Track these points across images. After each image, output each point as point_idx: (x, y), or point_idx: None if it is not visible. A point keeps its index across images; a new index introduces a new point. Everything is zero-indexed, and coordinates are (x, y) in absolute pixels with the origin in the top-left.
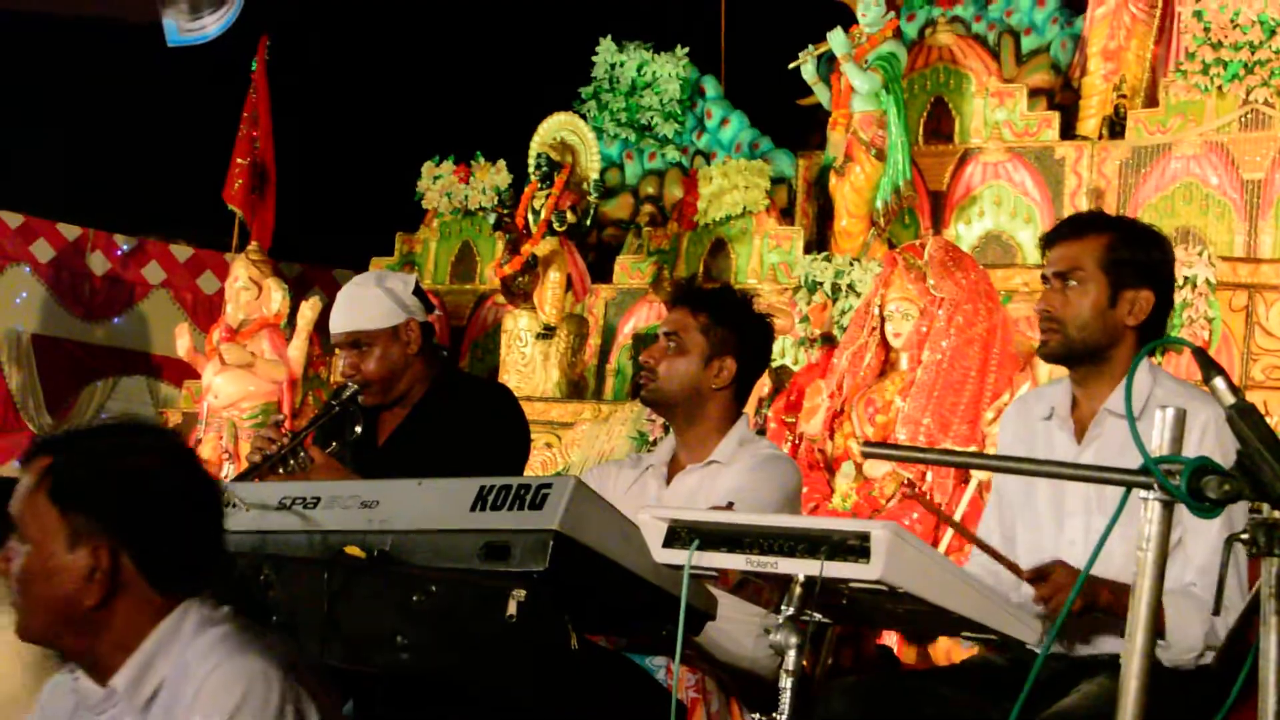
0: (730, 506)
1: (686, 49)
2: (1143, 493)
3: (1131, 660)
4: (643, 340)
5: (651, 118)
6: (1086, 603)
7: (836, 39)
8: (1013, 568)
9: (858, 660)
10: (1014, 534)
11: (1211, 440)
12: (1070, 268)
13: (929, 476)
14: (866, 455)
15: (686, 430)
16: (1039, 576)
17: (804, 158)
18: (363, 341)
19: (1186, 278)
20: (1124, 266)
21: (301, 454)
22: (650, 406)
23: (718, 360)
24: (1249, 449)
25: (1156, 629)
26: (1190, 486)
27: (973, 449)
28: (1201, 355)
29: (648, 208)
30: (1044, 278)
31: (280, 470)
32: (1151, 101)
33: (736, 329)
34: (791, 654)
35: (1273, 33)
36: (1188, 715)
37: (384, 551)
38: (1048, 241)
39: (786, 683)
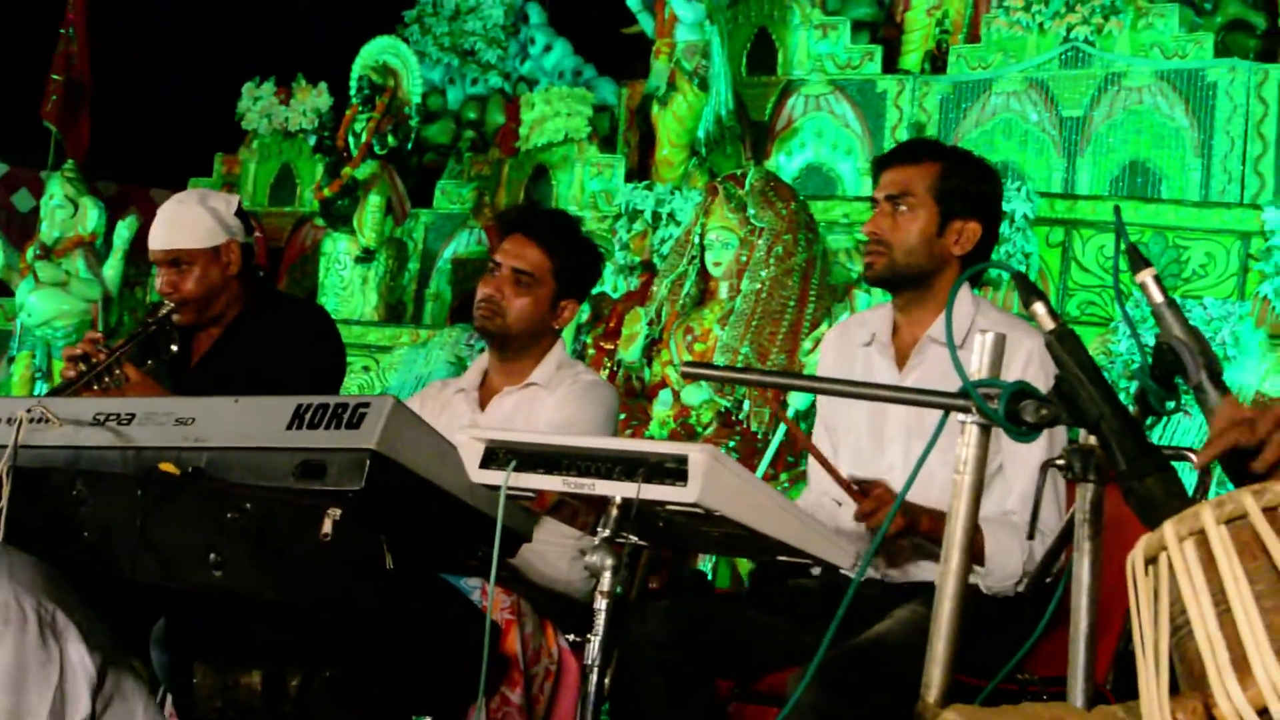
0: None
1: None
2: (961, 416)
3: (946, 583)
4: (465, 266)
5: (474, 43)
6: (907, 523)
7: None
8: (841, 480)
9: (672, 584)
10: (837, 461)
11: (1035, 369)
12: (901, 192)
13: (746, 405)
14: (686, 376)
15: (509, 357)
16: (862, 490)
17: (627, 86)
18: (182, 260)
19: (1005, 213)
20: (955, 196)
21: (117, 371)
22: (483, 336)
23: (564, 303)
24: (1067, 374)
25: (975, 556)
26: (1007, 410)
27: (793, 374)
28: (1021, 280)
29: (469, 133)
30: (873, 200)
31: (95, 387)
32: (973, 37)
33: (583, 273)
34: (607, 576)
35: None
36: (1003, 640)
37: (198, 468)
38: (881, 164)
39: (601, 605)
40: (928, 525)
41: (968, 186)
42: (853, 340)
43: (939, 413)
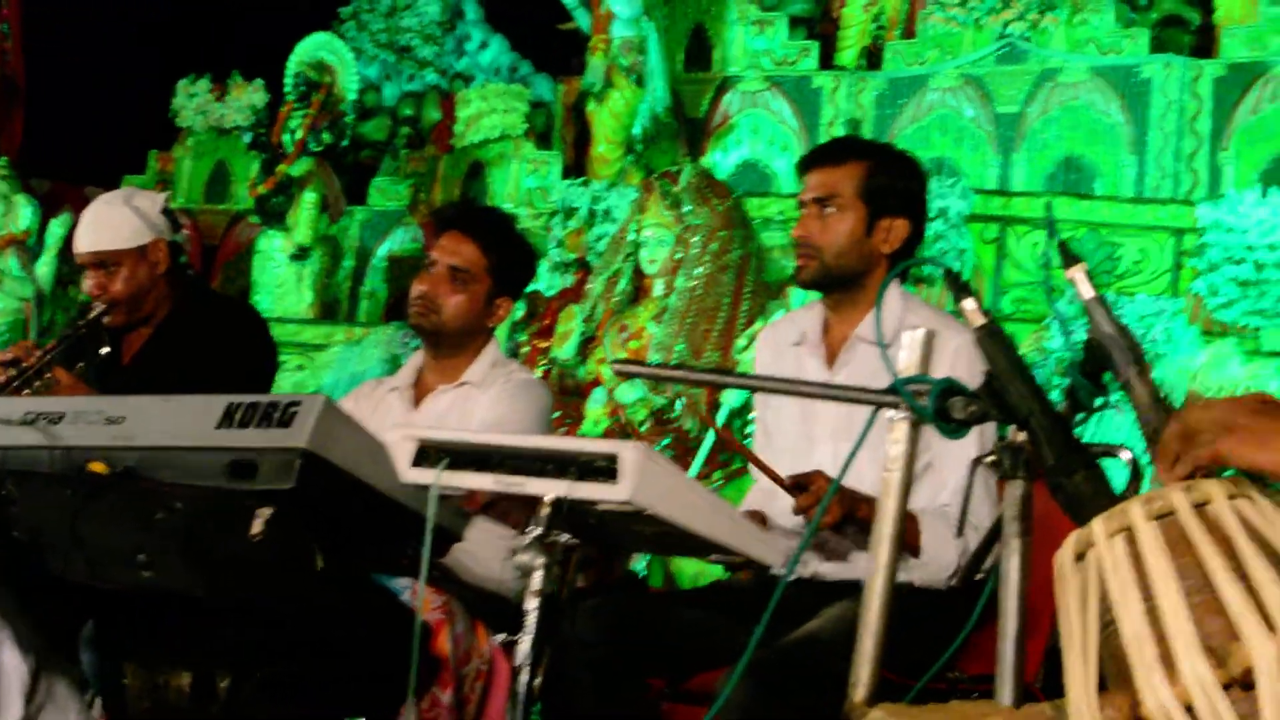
0: None
1: None
2: (890, 412)
3: (875, 580)
4: (401, 264)
5: (410, 39)
6: (845, 512)
7: None
8: (775, 477)
9: (605, 583)
10: (772, 460)
11: (963, 366)
12: (828, 194)
13: (680, 404)
14: (619, 373)
15: (444, 355)
16: (799, 486)
17: (563, 82)
18: (109, 261)
19: (940, 209)
20: (882, 195)
21: (47, 374)
22: (419, 333)
23: (499, 300)
24: (996, 370)
25: (911, 546)
26: (937, 406)
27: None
28: (952, 277)
29: (405, 130)
30: (800, 202)
31: (25, 391)
32: (909, 33)
33: (519, 271)
34: (538, 575)
35: None
36: (932, 638)
37: (129, 468)
38: (805, 166)
39: (532, 604)
40: (865, 512)
41: (894, 184)
42: (784, 339)
43: (868, 412)
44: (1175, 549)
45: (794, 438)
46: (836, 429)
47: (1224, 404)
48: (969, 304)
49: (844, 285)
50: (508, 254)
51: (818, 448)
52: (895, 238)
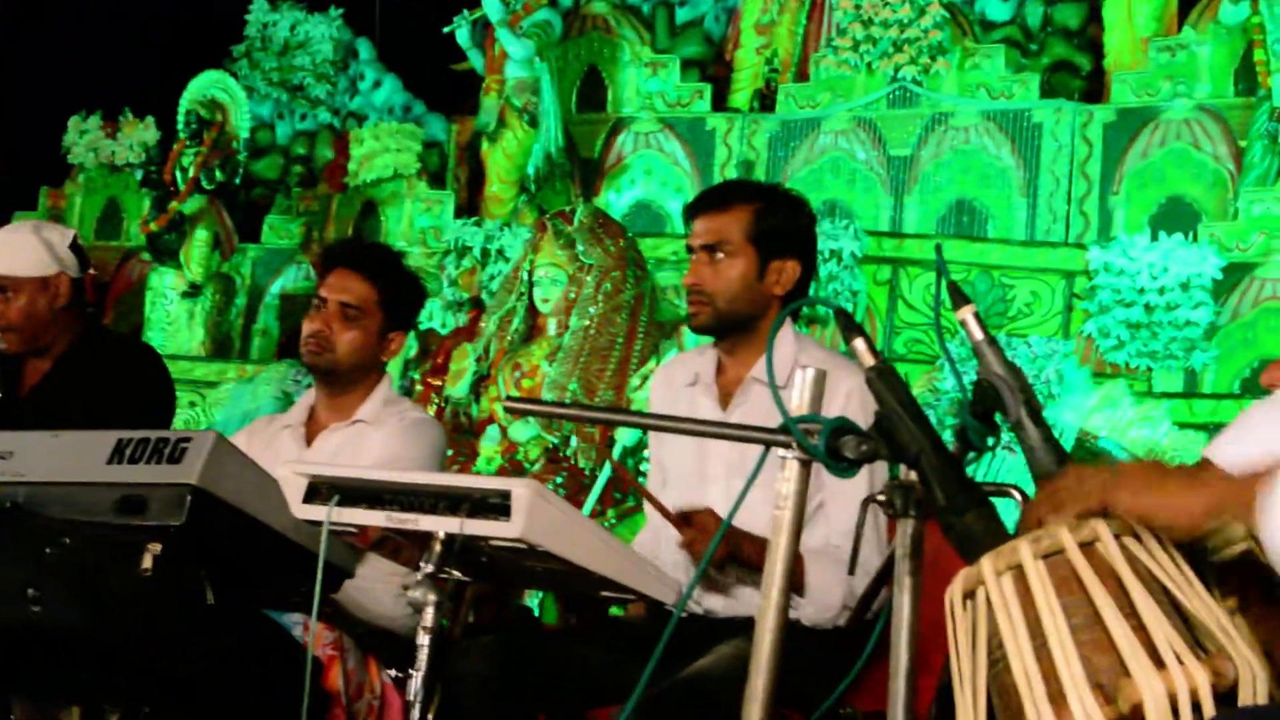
0: None
1: (340, 10)
2: (781, 451)
3: (766, 615)
4: (293, 301)
5: (304, 78)
6: (730, 551)
7: (491, 4)
8: (664, 512)
9: (497, 619)
10: (664, 498)
11: (855, 407)
12: (718, 240)
13: (574, 442)
14: (510, 411)
15: (337, 393)
16: (685, 520)
17: (457, 122)
18: (8, 286)
19: (833, 251)
20: (771, 237)
21: None
22: (312, 371)
23: (391, 335)
24: (887, 410)
25: (796, 587)
26: (828, 445)
27: (616, 410)
28: (843, 316)
29: (298, 168)
30: (689, 248)
31: None
32: (802, 76)
33: (409, 304)
34: (430, 611)
35: (922, 11)
36: (826, 675)
37: (16, 503)
38: (692, 212)
39: (424, 640)
40: (749, 550)
41: (783, 226)
42: (677, 380)
43: (760, 451)
44: (1064, 587)
45: (688, 476)
46: (731, 467)
47: (1114, 466)
48: (860, 344)
49: (738, 329)
50: (397, 288)
51: (711, 486)
52: (787, 279)
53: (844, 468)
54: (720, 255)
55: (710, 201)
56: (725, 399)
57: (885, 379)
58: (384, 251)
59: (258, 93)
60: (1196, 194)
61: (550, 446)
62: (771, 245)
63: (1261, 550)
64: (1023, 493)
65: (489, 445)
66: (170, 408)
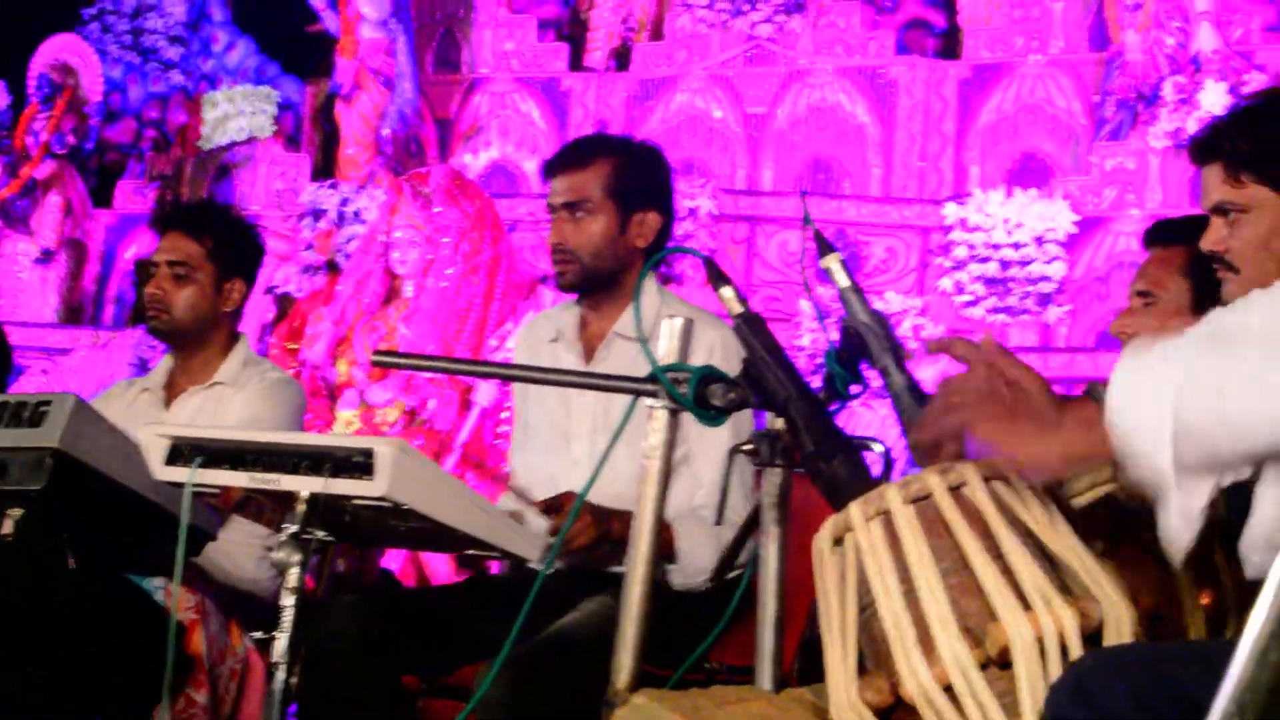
0: None
1: None
2: (650, 401)
3: (635, 568)
4: (145, 267)
5: (156, 41)
6: (600, 535)
7: None
8: (529, 502)
9: (360, 581)
10: (528, 456)
11: (719, 360)
12: (578, 198)
13: (432, 404)
14: (376, 364)
15: (191, 354)
16: (552, 508)
17: (311, 84)
18: None
19: (690, 210)
20: (631, 190)
21: None
22: (158, 337)
23: (228, 283)
24: (754, 357)
25: (666, 553)
26: (696, 394)
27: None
28: (711, 265)
29: (151, 132)
30: (550, 207)
31: None
32: (658, 35)
33: (239, 247)
34: (294, 572)
35: None
36: (691, 632)
37: None
38: (550, 171)
39: (288, 601)
40: (620, 530)
41: (643, 179)
42: (540, 336)
43: (624, 408)
44: (932, 531)
45: (551, 434)
46: (595, 425)
47: (974, 389)
48: (727, 291)
49: (603, 284)
50: (224, 237)
51: (575, 443)
52: (649, 231)
53: (712, 416)
54: (582, 213)
55: (568, 159)
56: (589, 353)
57: (752, 327)
58: (209, 207)
59: (110, 56)
60: (1050, 149)
61: (408, 409)
62: (632, 199)
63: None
64: (884, 445)
65: (346, 410)
66: (5, 371)
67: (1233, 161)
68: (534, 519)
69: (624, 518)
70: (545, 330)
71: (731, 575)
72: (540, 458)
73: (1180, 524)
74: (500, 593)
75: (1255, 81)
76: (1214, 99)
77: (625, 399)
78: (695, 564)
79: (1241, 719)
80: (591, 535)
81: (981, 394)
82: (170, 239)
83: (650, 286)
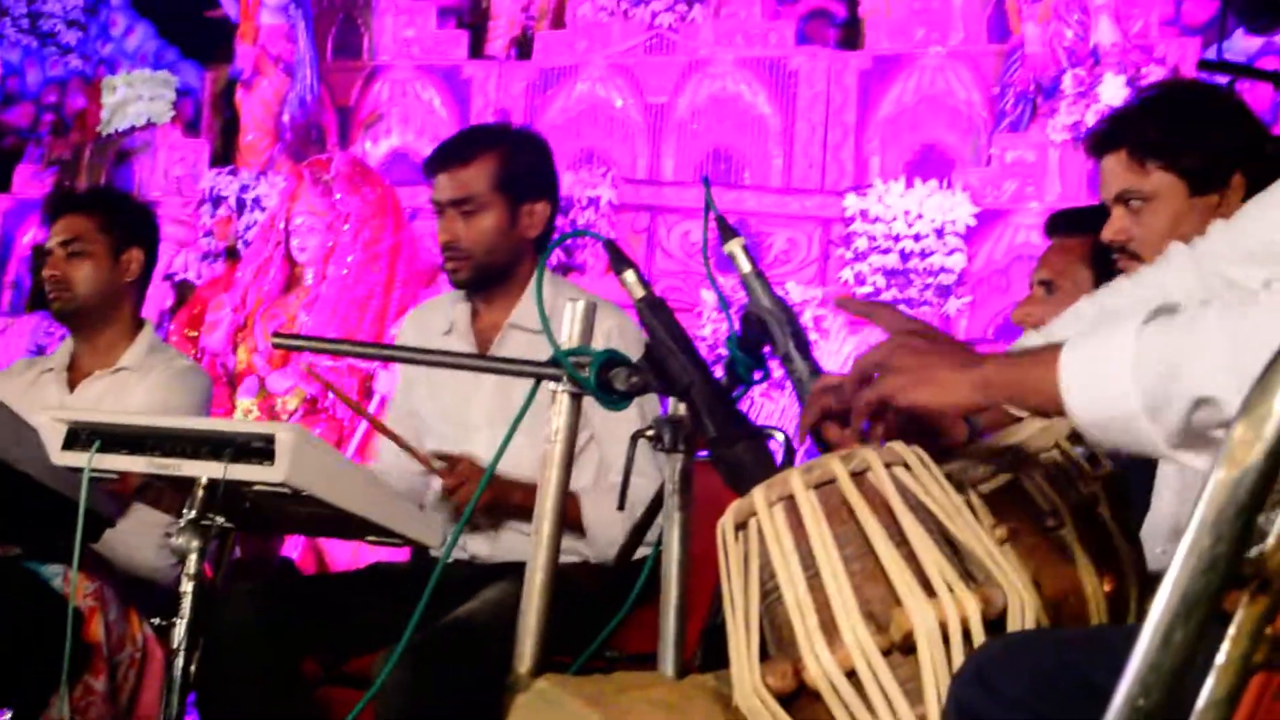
0: None
1: None
2: (552, 385)
3: (538, 553)
4: (46, 252)
5: (54, 25)
6: (497, 497)
7: None
8: (421, 458)
9: (259, 568)
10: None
11: (616, 345)
12: (466, 194)
13: (331, 393)
14: (278, 346)
15: (94, 335)
16: (446, 466)
17: (211, 70)
18: None
19: (590, 199)
20: (518, 182)
21: None
22: (62, 320)
23: (125, 254)
24: (657, 341)
25: (575, 527)
26: (599, 378)
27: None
28: (613, 249)
29: (49, 116)
30: (437, 204)
31: None
32: (559, 23)
33: (131, 219)
34: (193, 558)
35: None
36: (594, 615)
37: None
38: (433, 168)
39: (188, 587)
40: (520, 498)
41: (529, 168)
42: (431, 328)
43: (524, 398)
44: (835, 516)
45: (450, 424)
46: (494, 415)
47: (887, 344)
48: (629, 276)
49: (497, 278)
50: (112, 208)
51: (474, 434)
52: (538, 221)
53: (615, 400)
54: (471, 208)
55: (451, 155)
56: (484, 346)
57: (655, 311)
58: (94, 188)
59: (6, 39)
60: (951, 141)
61: (308, 396)
62: (520, 190)
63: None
64: (785, 434)
65: (246, 399)
66: None
67: (1138, 149)
68: (425, 479)
69: (525, 488)
70: (436, 322)
71: (636, 559)
72: (437, 450)
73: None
74: (400, 580)
75: (1154, 74)
76: (1113, 92)
77: (524, 389)
78: (607, 534)
79: (1146, 700)
80: (486, 499)
81: (894, 350)
82: (61, 222)
83: (545, 276)
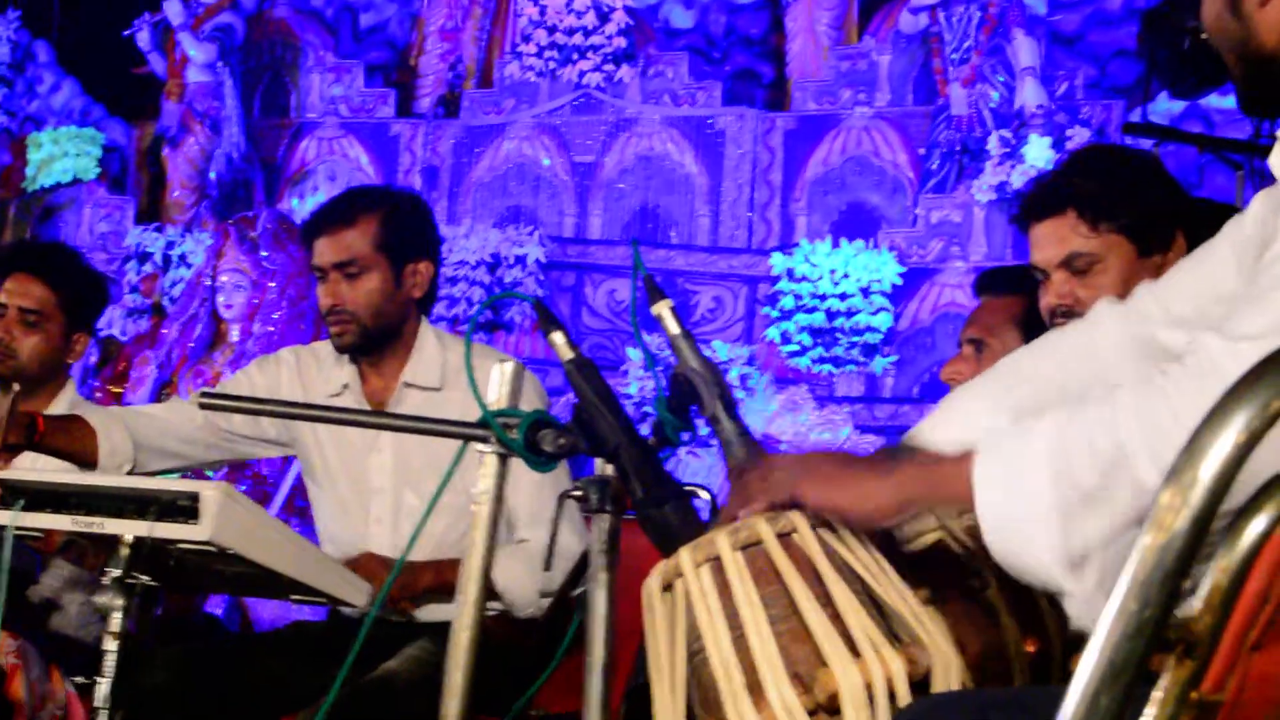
0: None
1: (18, 12)
2: (480, 446)
3: (464, 613)
4: None
5: None
6: (408, 593)
7: (173, 8)
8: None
9: (183, 627)
10: (320, 513)
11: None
12: (349, 257)
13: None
14: (204, 406)
15: (23, 399)
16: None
17: (138, 127)
18: None
19: (518, 257)
20: (401, 243)
21: None
22: None
23: (75, 336)
24: (586, 402)
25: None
26: (527, 439)
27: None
28: (542, 309)
29: None
30: (319, 270)
31: None
32: (487, 82)
33: (91, 305)
34: (117, 617)
35: (605, 18)
36: (517, 674)
37: None
38: (314, 232)
39: (111, 646)
40: (429, 580)
41: (410, 228)
42: (319, 393)
43: (425, 460)
44: (761, 578)
45: (348, 489)
46: (395, 478)
47: (803, 455)
48: (558, 336)
49: (385, 340)
50: (78, 289)
51: (375, 499)
52: (422, 280)
53: (542, 461)
54: (354, 270)
55: (333, 219)
56: (379, 406)
57: (584, 371)
58: (62, 252)
59: None
60: (877, 201)
61: None
62: (403, 251)
63: (953, 539)
64: (711, 492)
65: None
66: None
67: (1088, 210)
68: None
69: (436, 567)
70: (320, 383)
71: (561, 617)
72: (340, 516)
73: (1084, 610)
74: (321, 638)
75: (1079, 137)
76: (1038, 153)
77: (425, 451)
78: (521, 596)
79: None
80: (395, 594)
81: (803, 461)
82: (19, 282)
83: (429, 334)
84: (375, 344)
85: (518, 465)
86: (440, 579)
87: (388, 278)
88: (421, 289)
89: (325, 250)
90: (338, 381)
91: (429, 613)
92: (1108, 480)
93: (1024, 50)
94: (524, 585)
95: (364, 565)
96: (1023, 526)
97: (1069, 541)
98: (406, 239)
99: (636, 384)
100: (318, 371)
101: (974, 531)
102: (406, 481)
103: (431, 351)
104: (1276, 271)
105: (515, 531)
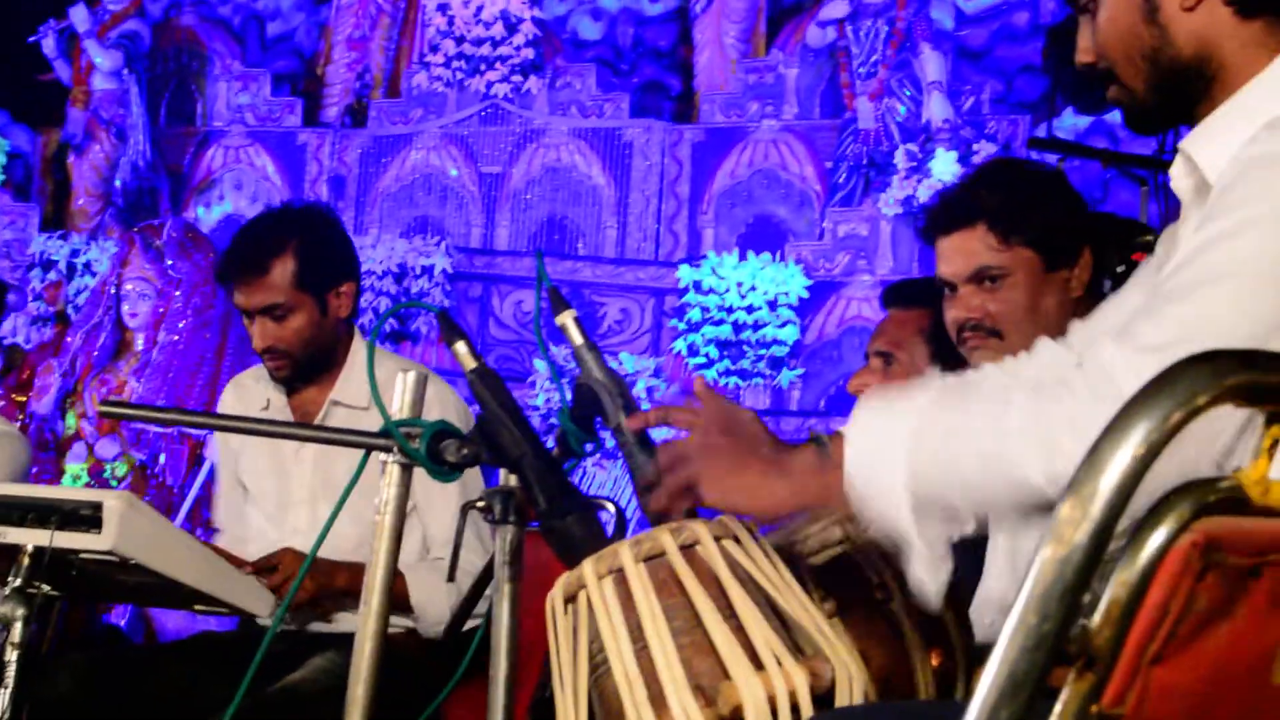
0: None
1: None
2: (383, 456)
3: (367, 624)
4: None
5: None
6: (321, 586)
7: (79, 14)
8: (237, 562)
9: (86, 636)
10: (246, 525)
11: (435, 415)
12: (272, 302)
13: (162, 459)
14: (104, 415)
15: None
16: (266, 568)
17: (42, 134)
18: None
19: (425, 268)
20: (320, 274)
21: None
22: None
23: None
24: (489, 413)
25: (400, 603)
26: (430, 449)
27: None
28: (445, 320)
29: None
30: (243, 310)
31: None
32: (394, 92)
33: None
34: (18, 627)
35: (514, 29)
36: (422, 687)
37: None
38: (230, 279)
39: (12, 656)
40: (344, 580)
41: (325, 258)
42: (249, 407)
43: (347, 474)
44: (664, 590)
45: (271, 501)
46: (315, 492)
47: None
48: (461, 347)
49: (319, 364)
50: None
51: (294, 510)
52: (346, 300)
53: (445, 471)
54: (280, 312)
55: (248, 267)
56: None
57: (487, 382)
58: None
59: None
60: (784, 214)
61: (138, 464)
62: (323, 280)
63: (859, 551)
64: (617, 504)
65: (75, 464)
66: None
67: (999, 223)
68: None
69: (350, 567)
70: (254, 400)
71: (466, 630)
72: (262, 526)
73: (926, 574)
74: (228, 648)
75: (985, 151)
76: (945, 167)
77: (347, 465)
78: (432, 612)
79: None
80: (310, 590)
81: (702, 452)
82: None
83: (360, 350)
84: (312, 369)
85: (435, 483)
86: (355, 580)
87: (313, 310)
88: (346, 309)
89: (245, 297)
90: (264, 398)
91: (337, 624)
92: (985, 465)
93: (931, 65)
94: (438, 603)
95: (282, 560)
96: (879, 462)
97: (917, 484)
98: (324, 270)
99: (544, 395)
100: (253, 387)
101: (878, 543)
102: (326, 494)
103: (363, 370)
104: (1173, 285)
105: (431, 550)
